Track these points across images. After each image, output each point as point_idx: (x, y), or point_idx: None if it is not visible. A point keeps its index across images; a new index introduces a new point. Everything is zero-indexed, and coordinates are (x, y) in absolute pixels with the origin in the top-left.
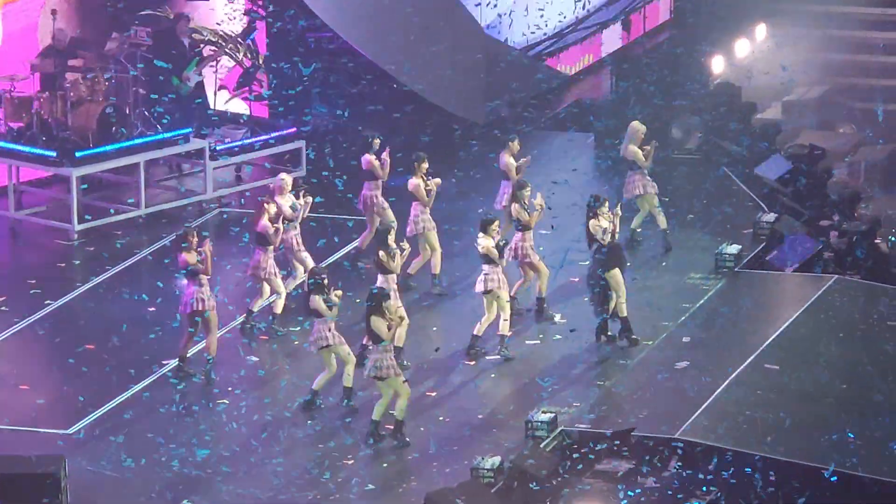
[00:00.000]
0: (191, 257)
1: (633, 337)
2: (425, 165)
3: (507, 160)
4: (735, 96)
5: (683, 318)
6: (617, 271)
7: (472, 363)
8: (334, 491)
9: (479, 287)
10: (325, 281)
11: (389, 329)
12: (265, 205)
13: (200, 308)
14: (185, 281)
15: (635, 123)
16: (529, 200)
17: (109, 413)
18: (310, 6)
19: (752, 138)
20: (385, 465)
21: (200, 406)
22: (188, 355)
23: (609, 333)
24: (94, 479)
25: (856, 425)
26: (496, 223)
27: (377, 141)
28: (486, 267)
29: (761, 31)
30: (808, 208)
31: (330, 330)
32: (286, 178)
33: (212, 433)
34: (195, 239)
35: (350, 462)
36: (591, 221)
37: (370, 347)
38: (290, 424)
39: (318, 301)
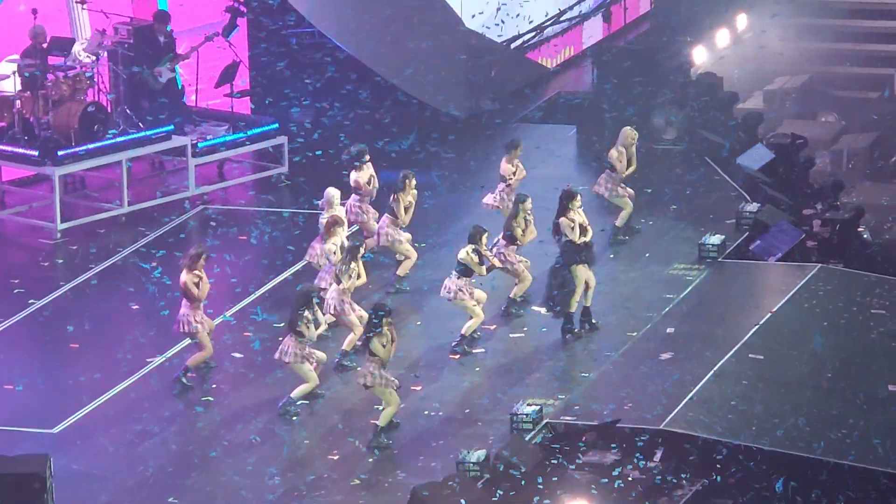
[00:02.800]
0: (191, 279)
1: (576, 331)
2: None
3: (506, 166)
4: (716, 86)
5: (667, 309)
6: (582, 268)
7: (457, 357)
8: (321, 486)
9: (444, 294)
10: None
11: (384, 346)
12: (334, 226)
13: (186, 330)
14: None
15: (627, 129)
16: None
17: (94, 412)
18: (291, 3)
19: (734, 128)
20: (371, 459)
21: (185, 404)
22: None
23: (593, 321)
24: (80, 479)
25: (841, 414)
26: (485, 236)
27: (367, 157)
28: (454, 273)
29: (742, 20)
30: (791, 197)
31: (299, 348)
32: (334, 192)
33: (196, 431)
34: (203, 261)
35: (336, 457)
36: (563, 218)
37: (366, 358)
38: (275, 421)
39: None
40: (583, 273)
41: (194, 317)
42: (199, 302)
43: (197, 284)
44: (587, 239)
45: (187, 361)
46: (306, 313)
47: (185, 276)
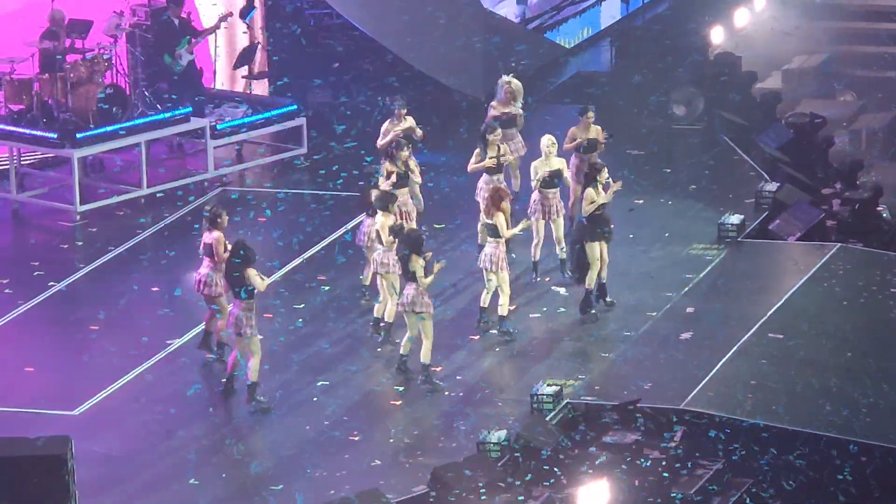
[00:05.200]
0: (220, 238)
1: (591, 311)
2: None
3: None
4: (735, 66)
5: (687, 288)
6: (596, 244)
7: (477, 338)
8: (340, 467)
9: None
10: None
11: (263, 279)
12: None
13: (206, 291)
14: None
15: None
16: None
17: (115, 394)
18: None
19: (752, 108)
20: (391, 440)
21: (205, 385)
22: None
23: (608, 299)
24: (101, 460)
25: (860, 393)
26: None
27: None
28: (379, 247)
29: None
30: (810, 177)
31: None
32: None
33: (217, 412)
34: (225, 218)
35: (356, 438)
36: (589, 189)
37: (235, 303)
38: (295, 401)
39: (253, 275)
40: (598, 250)
41: (217, 279)
42: (222, 264)
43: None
44: (600, 213)
45: (217, 338)
46: (417, 258)
47: (215, 236)
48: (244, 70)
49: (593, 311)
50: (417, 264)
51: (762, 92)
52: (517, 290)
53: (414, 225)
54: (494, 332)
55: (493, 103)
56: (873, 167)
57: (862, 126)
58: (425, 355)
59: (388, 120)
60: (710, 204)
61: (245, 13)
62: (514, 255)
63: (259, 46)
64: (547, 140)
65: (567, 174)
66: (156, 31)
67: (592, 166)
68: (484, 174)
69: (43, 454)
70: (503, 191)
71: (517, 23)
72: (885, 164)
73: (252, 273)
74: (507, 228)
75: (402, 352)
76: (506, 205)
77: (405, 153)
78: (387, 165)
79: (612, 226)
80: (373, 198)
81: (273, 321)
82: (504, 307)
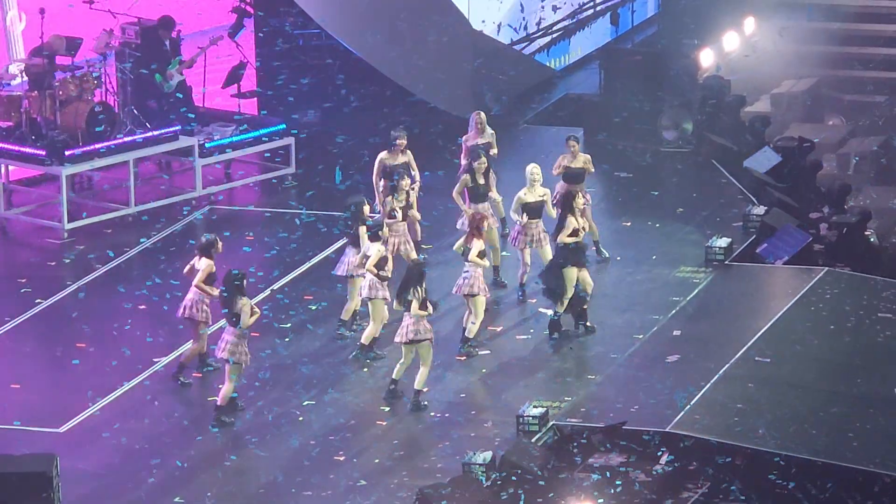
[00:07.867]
0: (210, 265)
1: (563, 330)
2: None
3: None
4: (724, 89)
5: (674, 311)
6: (573, 269)
7: (463, 359)
8: (326, 487)
9: (365, 293)
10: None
11: (251, 315)
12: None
13: (190, 315)
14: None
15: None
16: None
17: (101, 411)
18: (297, 2)
19: (741, 131)
20: (377, 460)
21: (189, 405)
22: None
23: (588, 324)
24: (86, 478)
25: (847, 417)
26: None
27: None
28: (367, 275)
29: (749, 24)
30: (798, 201)
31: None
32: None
33: (201, 431)
34: (218, 247)
35: (341, 458)
36: (569, 217)
37: (228, 330)
38: (279, 422)
39: (246, 304)
40: (574, 275)
41: (205, 303)
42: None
43: (211, 273)
44: (579, 240)
45: (181, 359)
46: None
47: (204, 263)
48: (233, 89)
49: (564, 329)
50: (417, 295)
51: (751, 116)
52: (504, 311)
53: (414, 253)
54: (486, 352)
55: (467, 136)
56: (861, 191)
57: (850, 150)
58: (420, 381)
59: (386, 150)
60: (697, 227)
61: (234, 32)
62: (506, 282)
63: (248, 65)
64: (532, 168)
65: (549, 205)
66: (145, 50)
67: (567, 193)
68: (471, 202)
69: (28, 471)
70: (481, 215)
71: (506, 44)
72: (873, 188)
73: (245, 304)
74: (483, 257)
75: (394, 376)
76: (488, 227)
77: (406, 182)
78: (388, 200)
79: (585, 250)
80: (363, 231)
81: (259, 340)
82: (472, 330)
